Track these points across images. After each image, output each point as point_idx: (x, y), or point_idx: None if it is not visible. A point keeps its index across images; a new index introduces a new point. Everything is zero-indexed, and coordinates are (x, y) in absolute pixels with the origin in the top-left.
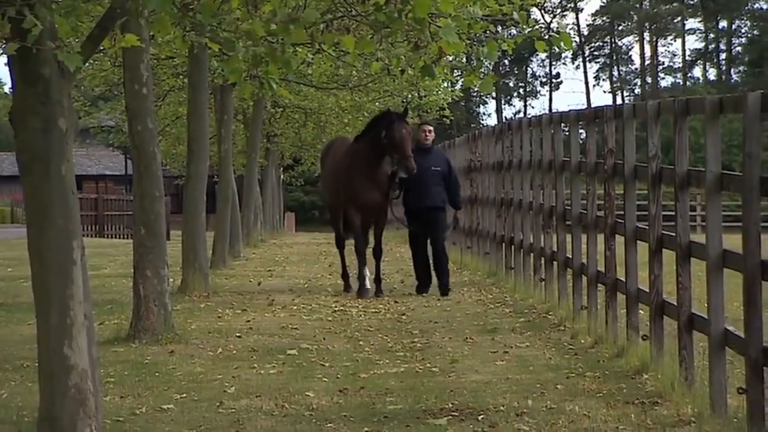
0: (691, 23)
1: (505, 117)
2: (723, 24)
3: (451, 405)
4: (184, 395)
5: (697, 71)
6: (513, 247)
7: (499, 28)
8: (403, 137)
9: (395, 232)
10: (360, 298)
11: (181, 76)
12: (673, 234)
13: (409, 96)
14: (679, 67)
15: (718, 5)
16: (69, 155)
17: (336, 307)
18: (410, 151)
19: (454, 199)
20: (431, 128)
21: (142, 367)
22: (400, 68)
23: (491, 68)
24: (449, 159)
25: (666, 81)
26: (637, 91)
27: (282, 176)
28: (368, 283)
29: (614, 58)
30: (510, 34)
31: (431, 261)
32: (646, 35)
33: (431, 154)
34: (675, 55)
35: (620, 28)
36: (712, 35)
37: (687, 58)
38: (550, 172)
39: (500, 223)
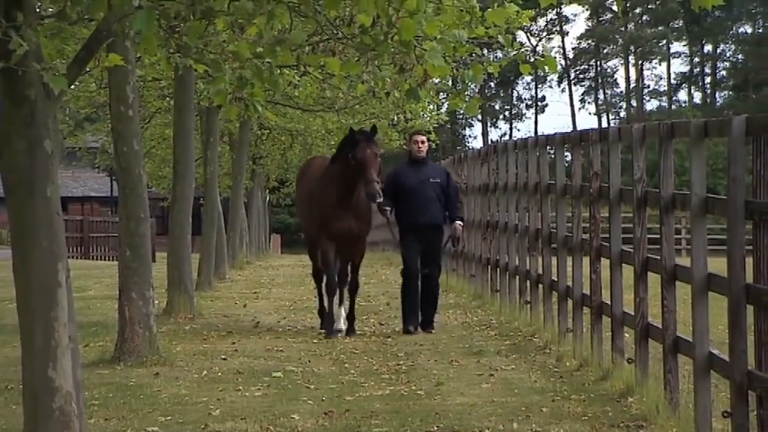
0: (676, 47)
1: (491, 139)
2: (708, 48)
3: (436, 428)
4: (169, 417)
5: (682, 95)
6: (498, 269)
7: (485, 51)
8: (365, 158)
9: (380, 254)
10: (328, 338)
11: (167, 98)
12: (658, 257)
13: (396, 118)
14: (664, 91)
15: (703, 29)
16: (54, 177)
17: (321, 329)
18: (374, 174)
19: (453, 211)
20: (424, 138)
21: (127, 389)
22: (385, 90)
23: (477, 91)
24: (447, 170)
25: (651, 104)
26: (623, 114)
27: (268, 198)
28: (342, 324)
29: (600, 81)
30: (495, 57)
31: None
32: (632, 58)
33: (427, 165)
34: (660, 79)
35: (605, 51)
36: (697, 59)
37: (672, 81)
38: (536, 194)
39: (486, 245)
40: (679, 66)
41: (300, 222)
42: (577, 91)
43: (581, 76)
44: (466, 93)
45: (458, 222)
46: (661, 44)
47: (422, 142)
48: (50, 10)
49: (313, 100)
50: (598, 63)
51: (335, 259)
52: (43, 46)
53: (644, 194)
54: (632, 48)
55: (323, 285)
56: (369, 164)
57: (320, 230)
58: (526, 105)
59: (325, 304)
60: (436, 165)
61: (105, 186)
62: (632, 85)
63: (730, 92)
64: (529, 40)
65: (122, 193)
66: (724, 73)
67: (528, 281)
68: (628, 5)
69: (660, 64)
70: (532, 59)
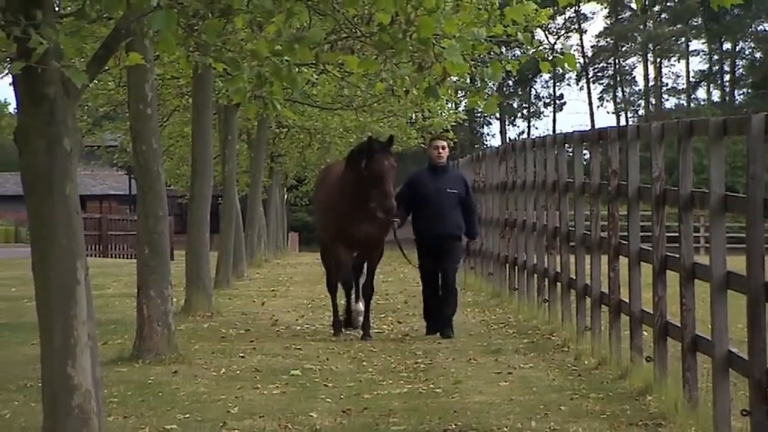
0: (695, 45)
1: (509, 138)
2: (727, 46)
3: (454, 426)
4: (188, 415)
5: (701, 92)
6: (517, 267)
7: (503, 49)
8: (384, 170)
9: (398, 252)
10: (351, 329)
11: (185, 96)
12: (677, 255)
13: (414, 116)
14: (683, 89)
15: (722, 27)
16: (73, 175)
17: (335, 334)
18: (391, 188)
19: (470, 228)
20: (444, 144)
21: (146, 387)
22: (404, 89)
23: (495, 89)
24: (467, 180)
25: (670, 102)
26: (641, 112)
27: (286, 196)
28: (360, 318)
29: (618, 79)
30: (514, 55)
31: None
32: (650, 56)
33: (447, 173)
34: (679, 77)
35: (624, 49)
36: (716, 57)
37: (691, 79)
38: (554, 192)
39: (504, 243)
40: (697, 64)
41: (316, 228)
42: (596, 89)
43: (600, 74)
44: (484, 91)
45: (471, 241)
46: (679, 42)
47: (443, 148)
48: (69, 8)
49: (331, 99)
50: (617, 61)
51: (350, 262)
52: (63, 44)
53: (663, 192)
54: (651, 46)
55: (341, 283)
56: (386, 177)
57: (337, 237)
58: (545, 103)
59: (341, 302)
60: (457, 172)
61: (123, 184)
62: (651, 83)
63: (749, 90)
64: (547, 38)
65: (141, 191)
66: (743, 71)
67: (546, 279)
68: (646, 3)
69: (679, 62)
70: (551, 57)
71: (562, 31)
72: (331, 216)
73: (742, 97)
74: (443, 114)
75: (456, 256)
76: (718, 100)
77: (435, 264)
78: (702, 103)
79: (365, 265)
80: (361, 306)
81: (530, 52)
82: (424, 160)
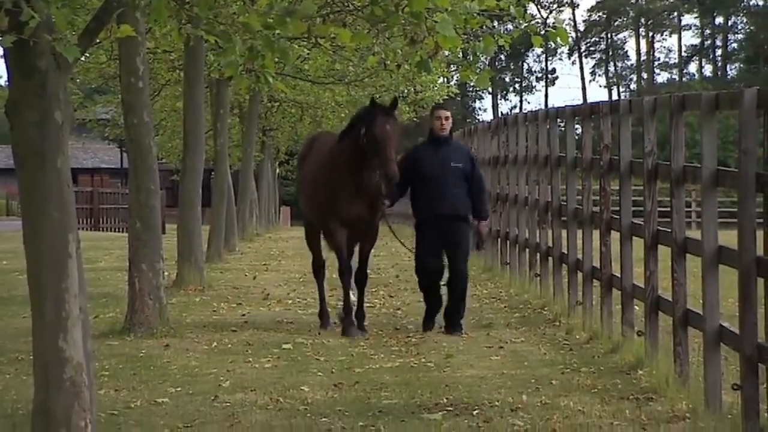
0: (687, 19)
1: (501, 112)
2: (719, 20)
3: (446, 400)
4: (179, 389)
5: (692, 67)
6: (508, 242)
7: (496, 23)
8: (384, 135)
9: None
10: (346, 336)
11: (177, 70)
12: (669, 230)
13: (406, 91)
14: (675, 63)
15: (714, 1)
16: (65, 148)
17: (331, 301)
18: (393, 153)
19: (479, 207)
20: (448, 114)
21: (137, 360)
22: (396, 63)
23: (487, 63)
24: (472, 153)
25: (662, 77)
26: (633, 86)
27: (278, 170)
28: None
29: (610, 53)
30: (506, 29)
31: (445, 284)
32: (642, 31)
33: (450, 146)
34: (671, 51)
35: (616, 23)
36: (708, 31)
37: (683, 54)
38: (546, 167)
39: (496, 218)
40: (690, 38)
41: (301, 207)
42: (588, 63)
43: (592, 48)
44: (476, 65)
45: (483, 222)
46: (672, 16)
47: (446, 119)
48: None
49: (323, 73)
50: (609, 35)
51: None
52: (54, 16)
53: (655, 167)
54: (643, 20)
55: (338, 272)
56: (387, 141)
57: (328, 217)
58: (537, 77)
59: (326, 296)
60: (461, 145)
61: (115, 158)
62: (643, 57)
63: (742, 65)
64: (539, 12)
65: (132, 165)
66: (735, 45)
67: (538, 254)
68: None
69: (671, 37)
70: (543, 31)
71: (555, 5)
72: (323, 194)
73: (734, 71)
74: (435, 88)
75: (465, 240)
76: (710, 74)
77: (437, 251)
78: (694, 77)
79: (356, 250)
80: (353, 296)
81: (522, 26)
82: (415, 134)
